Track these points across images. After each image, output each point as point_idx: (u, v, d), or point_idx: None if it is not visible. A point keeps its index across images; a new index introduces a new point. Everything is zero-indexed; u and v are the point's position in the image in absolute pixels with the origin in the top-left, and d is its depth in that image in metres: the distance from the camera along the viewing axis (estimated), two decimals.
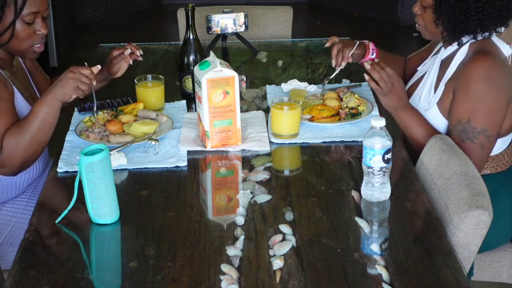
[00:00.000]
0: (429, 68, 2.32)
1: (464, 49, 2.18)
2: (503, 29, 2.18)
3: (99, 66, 2.13)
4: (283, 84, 2.59)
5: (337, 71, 2.44)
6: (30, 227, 1.78)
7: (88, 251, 1.70)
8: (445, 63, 2.24)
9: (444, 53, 2.26)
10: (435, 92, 2.23)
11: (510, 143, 2.28)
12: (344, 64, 2.45)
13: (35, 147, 2.08)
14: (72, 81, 2.04)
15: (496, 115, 2.11)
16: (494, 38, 2.19)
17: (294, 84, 2.58)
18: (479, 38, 2.16)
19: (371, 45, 2.52)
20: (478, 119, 2.09)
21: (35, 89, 2.37)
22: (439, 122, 2.21)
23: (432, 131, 2.19)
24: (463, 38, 2.17)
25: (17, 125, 2.07)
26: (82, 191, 1.77)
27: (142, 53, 2.41)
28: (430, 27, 2.23)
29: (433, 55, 2.37)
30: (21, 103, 2.18)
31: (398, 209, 1.85)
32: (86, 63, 2.11)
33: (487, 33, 2.15)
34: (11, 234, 2.21)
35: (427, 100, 2.24)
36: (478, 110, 2.09)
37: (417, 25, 2.27)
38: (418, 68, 2.42)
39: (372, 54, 2.51)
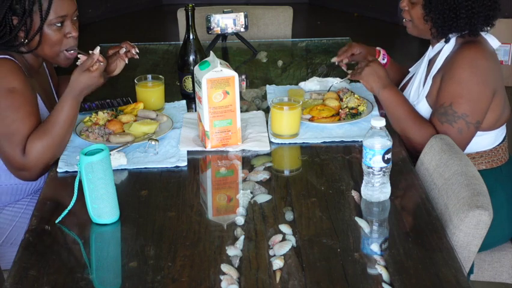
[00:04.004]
0: (419, 67, 2.35)
1: (451, 43, 2.20)
2: (489, 28, 2.19)
3: (98, 47, 2.10)
4: (306, 83, 2.58)
5: (347, 77, 2.42)
6: (30, 227, 1.78)
7: (88, 251, 1.70)
8: (433, 60, 2.27)
9: (432, 51, 2.29)
10: (423, 86, 2.25)
11: (504, 137, 2.29)
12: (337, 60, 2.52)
13: (58, 149, 2.07)
14: (88, 73, 2.05)
15: (478, 103, 2.13)
16: (482, 32, 2.20)
17: (314, 82, 2.57)
18: (466, 37, 2.18)
19: (382, 51, 2.55)
20: (459, 104, 2.11)
21: (54, 93, 2.38)
22: (428, 114, 2.23)
23: (413, 111, 2.21)
24: (450, 35, 2.19)
25: (41, 128, 2.05)
26: (82, 191, 1.77)
27: (137, 51, 2.39)
28: (418, 23, 2.24)
29: (423, 56, 2.38)
30: (40, 107, 2.17)
31: (398, 209, 1.85)
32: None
33: (474, 32, 2.16)
34: (12, 234, 2.21)
35: (416, 95, 2.27)
36: (461, 95, 2.11)
37: (404, 20, 2.29)
38: (410, 69, 2.45)
39: (383, 60, 2.52)
